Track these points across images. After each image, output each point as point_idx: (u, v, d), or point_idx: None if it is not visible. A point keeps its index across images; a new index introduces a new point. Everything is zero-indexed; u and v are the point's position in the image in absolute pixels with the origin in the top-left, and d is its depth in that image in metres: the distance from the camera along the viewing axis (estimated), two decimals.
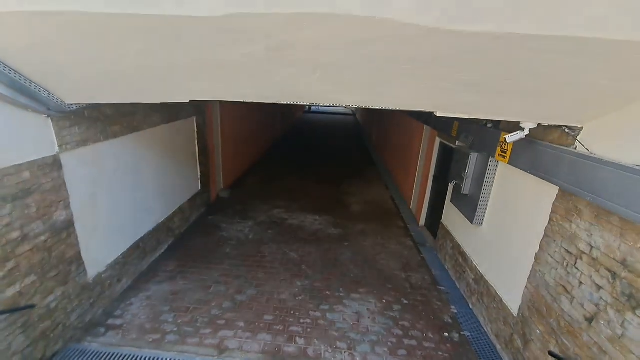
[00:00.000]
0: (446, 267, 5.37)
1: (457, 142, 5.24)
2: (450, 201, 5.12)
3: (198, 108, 6.35)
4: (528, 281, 3.27)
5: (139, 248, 4.73)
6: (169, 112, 5.27)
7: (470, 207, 4.44)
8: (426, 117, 6.83)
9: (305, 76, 2.68)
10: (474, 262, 4.45)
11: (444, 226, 5.60)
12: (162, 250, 5.37)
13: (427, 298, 4.61)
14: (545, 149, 3.03)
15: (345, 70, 2.46)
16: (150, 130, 4.81)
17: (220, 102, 7.61)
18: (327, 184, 9.42)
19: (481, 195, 4.20)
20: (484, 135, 4.19)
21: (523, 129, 3.06)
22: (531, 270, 3.25)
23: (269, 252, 5.57)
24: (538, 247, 3.17)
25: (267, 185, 9.10)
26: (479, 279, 4.27)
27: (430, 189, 6.72)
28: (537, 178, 3.15)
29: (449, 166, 5.79)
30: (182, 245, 5.62)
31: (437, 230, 6.07)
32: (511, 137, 3.15)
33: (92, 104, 3.39)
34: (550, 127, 3.07)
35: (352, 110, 31.01)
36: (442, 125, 5.85)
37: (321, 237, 6.23)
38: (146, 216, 4.89)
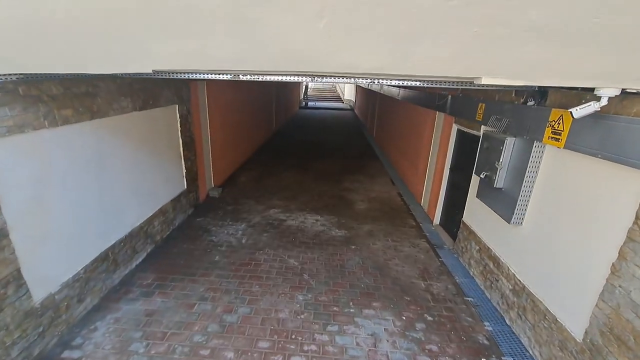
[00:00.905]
0: (471, 274, 4.62)
1: (482, 127, 4.48)
2: (477, 197, 4.36)
3: (180, 94, 5.54)
4: (601, 298, 2.52)
5: (107, 259, 3.93)
6: (143, 97, 4.46)
7: (506, 203, 3.68)
8: (440, 103, 6.07)
9: (306, 25, 1.89)
10: (512, 270, 3.70)
11: (466, 225, 4.85)
12: (139, 260, 4.57)
13: (454, 312, 3.86)
14: (629, 125, 2.27)
15: (362, 10, 1.66)
16: (119, 118, 4.00)
17: (208, 89, 6.80)
18: (328, 180, 8.64)
19: (522, 188, 3.44)
20: (524, 115, 3.43)
21: (599, 99, 2.29)
22: (605, 285, 2.49)
23: (265, 259, 4.79)
24: (616, 255, 2.41)
25: (263, 182, 8.31)
26: (520, 290, 3.52)
27: (445, 183, 5.96)
28: (614, 164, 2.40)
29: (469, 156, 5.04)
30: (164, 253, 4.83)
31: (457, 230, 5.32)
32: (580, 111, 2.37)
33: (26, 77, 2.58)
34: (634, 94, 2.31)
35: (350, 105, 30.25)
36: (462, 109, 5.08)
37: (324, 240, 5.46)
38: (117, 220, 4.09)
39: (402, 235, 5.76)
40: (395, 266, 4.76)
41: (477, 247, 4.49)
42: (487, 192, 4.07)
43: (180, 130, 5.64)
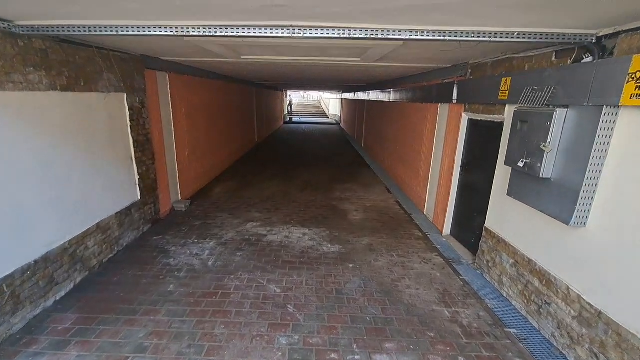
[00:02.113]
0: (505, 295, 3.58)
1: (508, 107, 3.59)
2: (508, 195, 3.40)
3: (130, 81, 4.46)
4: None
5: (2, 295, 2.70)
6: (68, 74, 3.37)
7: (560, 198, 2.72)
8: (441, 93, 5.22)
9: None
10: (573, 289, 2.69)
11: (491, 233, 3.86)
12: (60, 295, 3.33)
13: (498, 352, 2.78)
14: None
15: None
16: (23, 97, 2.89)
17: (173, 83, 5.76)
18: (316, 190, 7.59)
19: (586, 175, 2.49)
20: (578, 76, 2.54)
21: None
22: None
23: (237, 286, 3.63)
24: None
25: (240, 193, 7.17)
26: (592, 317, 2.50)
27: (456, 184, 5.01)
28: None
29: (487, 148, 4.13)
30: (99, 284, 3.60)
31: (476, 240, 4.33)
32: None
33: None
34: None
35: (335, 120, 29.73)
36: (475, 93, 4.21)
37: (314, 258, 4.35)
38: (20, 240, 2.89)
39: (409, 249, 4.71)
40: (407, 289, 3.68)
41: (512, 260, 3.48)
42: (527, 186, 3.11)
43: (131, 127, 4.52)
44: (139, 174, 4.74)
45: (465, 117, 4.75)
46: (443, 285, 3.77)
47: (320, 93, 33.51)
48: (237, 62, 5.43)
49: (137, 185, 4.73)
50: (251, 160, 10.97)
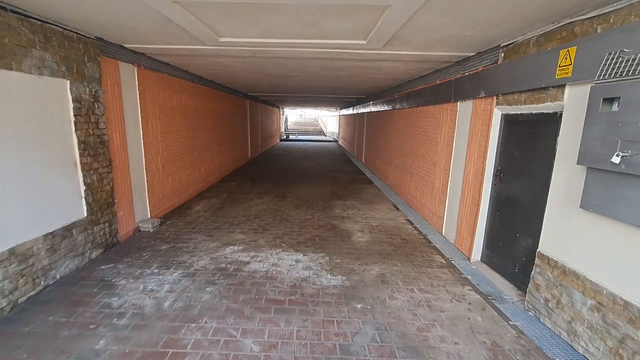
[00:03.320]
0: (581, 351, 2.50)
1: (568, 87, 2.66)
2: (583, 207, 2.41)
3: (78, 65, 3.53)
4: None
5: None
6: None
7: None
8: (465, 88, 4.35)
9: None
10: None
11: (551, 261, 2.82)
12: None
13: None
14: None
15: None
16: None
17: (142, 77, 4.85)
18: (313, 207, 6.56)
19: None
20: None
21: None
22: None
23: (196, 341, 2.53)
24: None
25: (224, 211, 6.13)
26: None
27: (487, 196, 4.02)
28: None
29: (534, 149, 3.17)
30: (1, 336, 2.50)
31: (521, 269, 3.29)
32: None
33: None
34: None
35: (333, 137, 29.09)
36: (514, 78, 3.31)
37: (309, 295, 3.27)
38: None
39: (432, 280, 3.64)
40: (442, 343, 2.59)
41: (591, 301, 2.44)
42: (620, 194, 2.12)
43: (76, 124, 3.55)
44: (86, 184, 3.72)
45: (497, 113, 3.82)
46: (490, 336, 2.69)
47: (318, 111, 33.08)
48: (218, 54, 4.55)
49: (83, 199, 3.70)
50: (242, 176, 9.97)
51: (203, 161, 7.78)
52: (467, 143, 4.48)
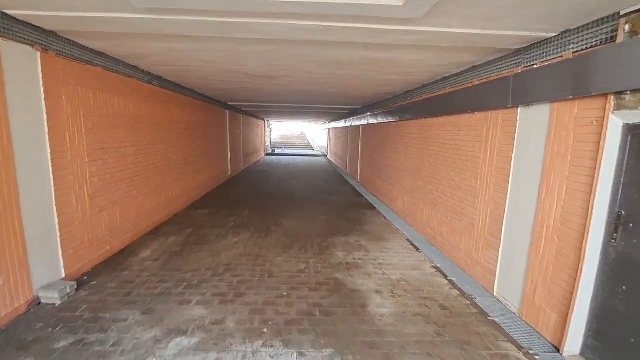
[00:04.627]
0: None
1: None
2: None
3: None
4: None
5: None
6: None
7: None
8: (535, 85, 2.91)
9: None
10: None
11: None
12: None
13: None
14: None
15: None
16: None
17: (56, 69, 3.19)
18: (306, 248, 4.92)
19: None
20: None
21: None
22: None
23: None
24: None
25: (182, 260, 4.41)
26: None
27: (596, 256, 2.50)
28: None
29: None
30: None
31: None
32: None
33: None
34: None
35: (322, 152, 27.70)
36: None
37: None
38: None
39: None
40: None
41: None
42: None
43: None
44: None
45: (616, 123, 2.35)
46: None
47: (306, 124, 31.75)
48: (164, 31, 2.97)
49: None
50: (217, 200, 8.25)
51: (162, 185, 6.06)
52: (541, 168, 2.99)
